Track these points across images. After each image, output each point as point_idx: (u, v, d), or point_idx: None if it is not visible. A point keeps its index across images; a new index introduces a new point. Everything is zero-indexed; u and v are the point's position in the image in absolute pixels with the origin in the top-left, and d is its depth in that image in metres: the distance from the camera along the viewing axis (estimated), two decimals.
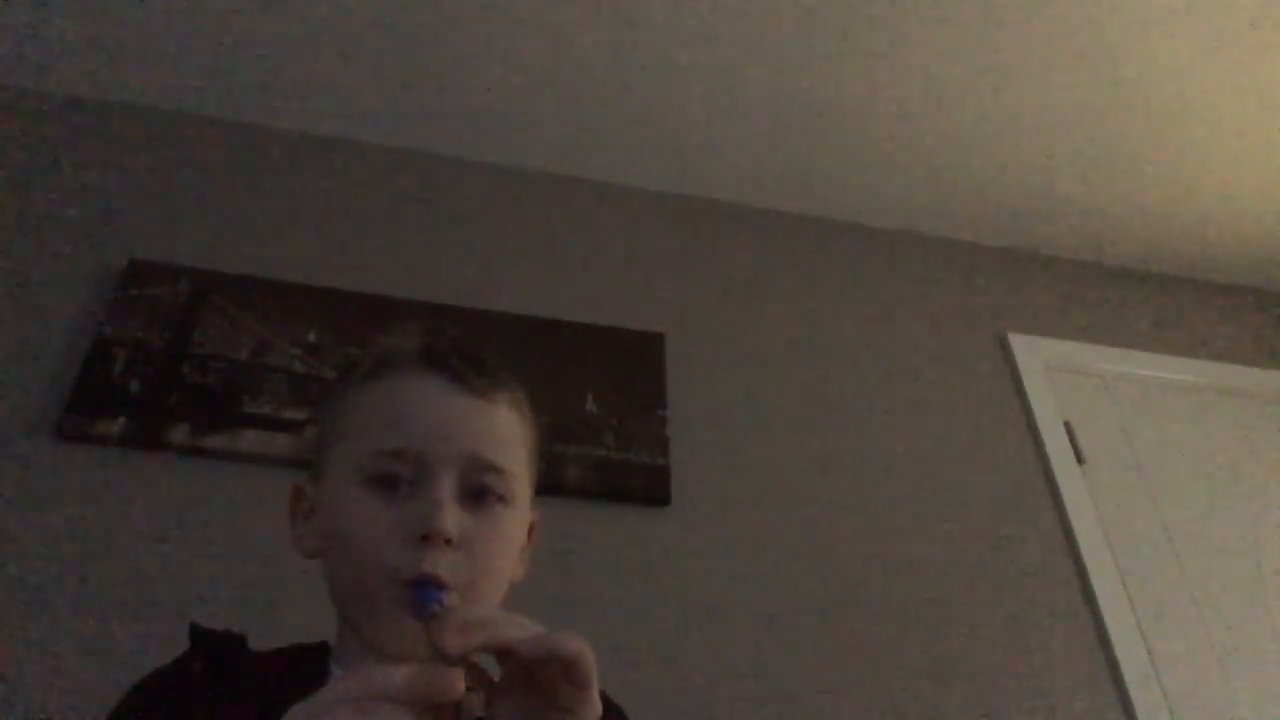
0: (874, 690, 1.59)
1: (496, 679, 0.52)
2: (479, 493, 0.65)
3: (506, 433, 0.69)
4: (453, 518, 0.62)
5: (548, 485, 1.58)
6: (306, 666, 0.67)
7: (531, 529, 0.73)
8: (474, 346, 0.73)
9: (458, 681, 0.41)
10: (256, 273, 1.80)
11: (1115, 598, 1.80)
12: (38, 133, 1.92)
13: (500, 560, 0.67)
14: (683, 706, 1.49)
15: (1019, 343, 2.16)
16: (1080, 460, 2.00)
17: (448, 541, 0.61)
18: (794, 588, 1.67)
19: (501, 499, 0.67)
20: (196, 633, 0.68)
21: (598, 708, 0.51)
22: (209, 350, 1.66)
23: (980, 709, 1.61)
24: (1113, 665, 1.71)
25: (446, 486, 0.63)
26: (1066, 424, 2.05)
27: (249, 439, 1.57)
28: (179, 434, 1.55)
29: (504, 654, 0.48)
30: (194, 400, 1.59)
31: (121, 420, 1.54)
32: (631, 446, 1.72)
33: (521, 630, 0.48)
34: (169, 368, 1.62)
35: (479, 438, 0.66)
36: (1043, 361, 2.14)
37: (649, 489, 1.69)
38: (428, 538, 0.61)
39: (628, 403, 1.78)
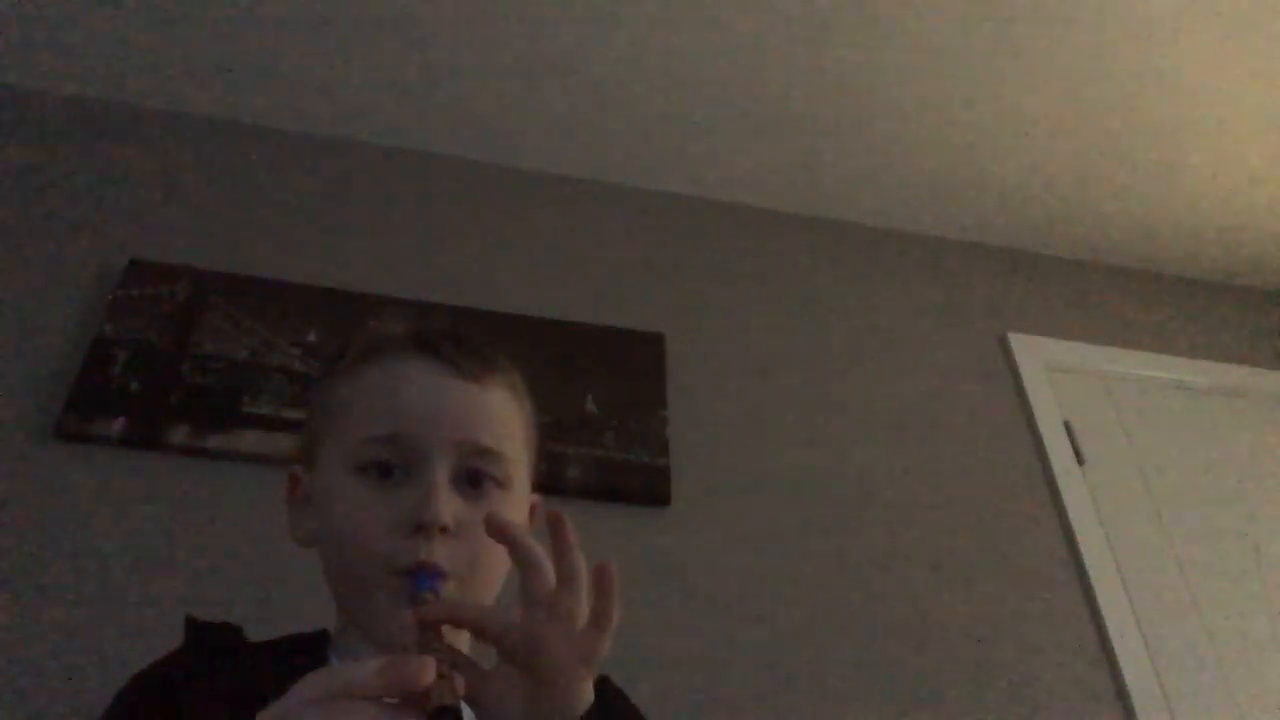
0: (874, 689, 1.59)
1: (484, 673, 0.52)
2: (475, 478, 0.65)
3: (501, 416, 0.68)
4: (448, 506, 0.61)
5: (548, 485, 1.58)
6: (305, 655, 0.66)
7: (533, 511, 0.72)
8: (466, 330, 0.72)
9: (426, 669, 0.40)
10: (256, 273, 1.80)
11: (1115, 598, 1.79)
12: (38, 133, 1.92)
13: (498, 546, 0.67)
14: (683, 706, 1.48)
15: (1019, 343, 2.16)
16: (1080, 460, 2.00)
17: (443, 530, 0.61)
18: (794, 587, 1.67)
19: (498, 483, 0.66)
20: (193, 624, 0.68)
21: (589, 694, 0.51)
22: (209, 350, 1.66)
23: (980, 708, 1.61)
24: (1113, 665, 1.71)
25: (441, 473, 0.63)
26: (1066, 424, 2.05)
27: (249, 439, 1.57)
28: (179, 434, 1.55)
29: (487, 634, 0.50)
30: (194, 400, 1.59)
31: (121, 420, 1.54)
32: (631, 446, 1.72)
33: (498, 617, 0.50)
34: (169, 368, 1.62)
35: (472, 422, 0.66)
36: (1043, 361, 2.14)
37: (649, 489, 1.68)
38: (423, 527, 0.60)
39: (628, 403, 1.78)
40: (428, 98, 2.02)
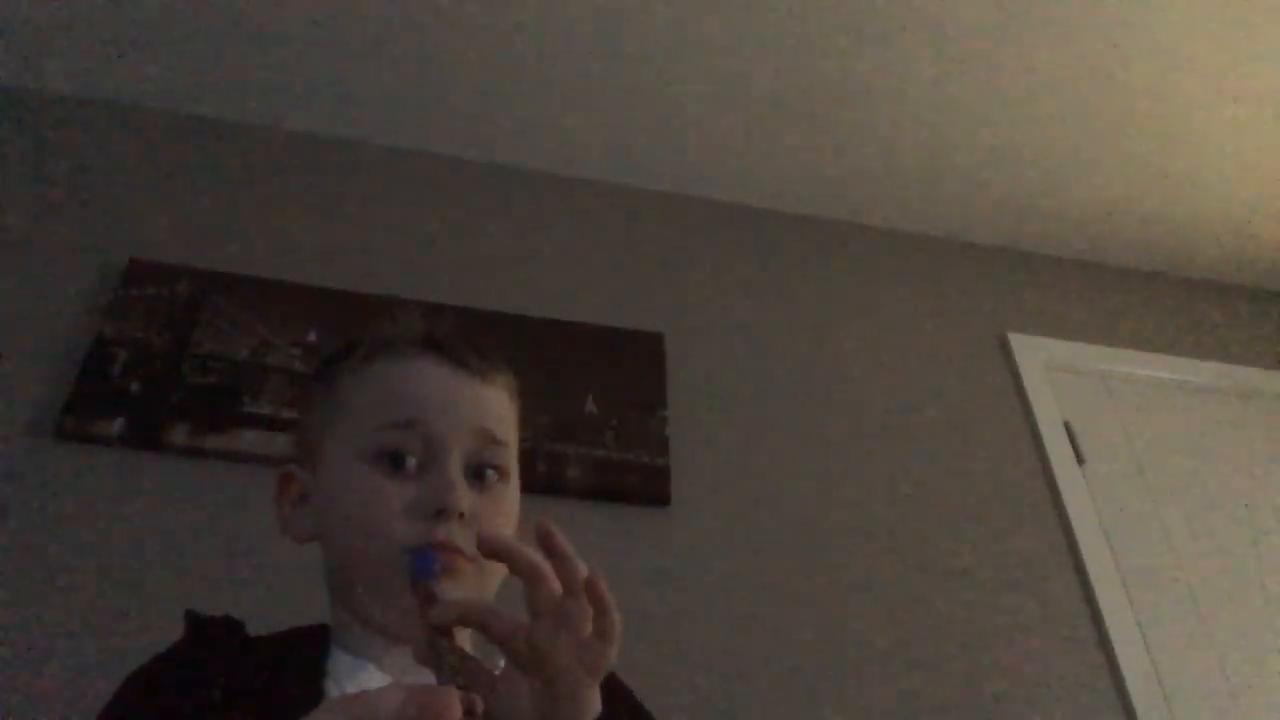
0: (873, 690, 1.59)
1: (493, 679, 0.52)
2: (480, 470, 0.67)
3: (504, 412, 0.72)
4: (465, 494, 0.63)
5: (548, 485, 1.58)
6: (307, 649, 0.66)
7: None
8: (470, 333, 0.75)
9: (453, 705, 0.39)
10: (256, 273, 1.80)
11: (1115, 598, 1.80)
12: (38, 133, 1.92)
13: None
14: (683, 706, 1.48)
15: (1019, 343, 2.16)
16: (1080, 460, 2.00)
17: (460, 516, 0.62)
18: (793, 587, 1.67)
19: (501, 474, 0.68)
20: (194, 619, 0.68)
21: (596, 703, 0.51)
22: (209, 350, 1.66)
23: (980, 708, 1.61)
24: (1113, 665, 1.71)
25: (457, 463, 0.65)
26: (1066, 424, 2.05)
27: (249, 439, 1.57)
28: (179, 434, 1.55)
29: (491, 628, 0.51)
30: (194, 400, 1.59)
31: (121, 420, 1.54)
32: (631, 446, 1.72)
33: (508, 619, 0.51)
34: (169, 368, 1.62)
35: (483, 415, 0.69)
36: (1043, 361, 2.14)
37: (649, 489, 1.68)
38: (443, 512, 0.62)
39: (628, 403, 1.78)
40: (428, 98, 2.02)
